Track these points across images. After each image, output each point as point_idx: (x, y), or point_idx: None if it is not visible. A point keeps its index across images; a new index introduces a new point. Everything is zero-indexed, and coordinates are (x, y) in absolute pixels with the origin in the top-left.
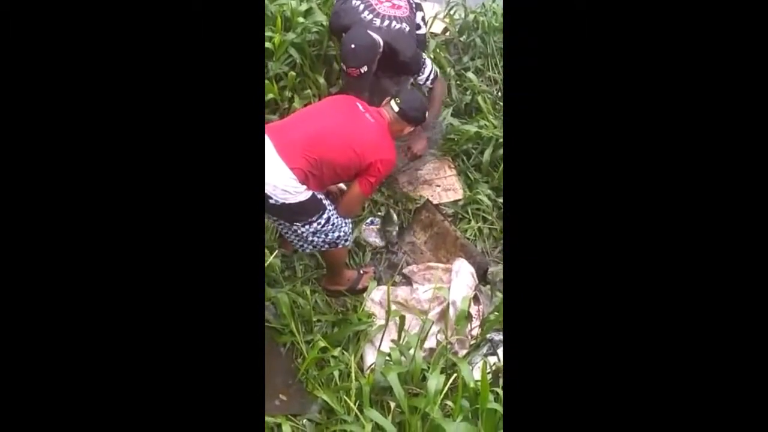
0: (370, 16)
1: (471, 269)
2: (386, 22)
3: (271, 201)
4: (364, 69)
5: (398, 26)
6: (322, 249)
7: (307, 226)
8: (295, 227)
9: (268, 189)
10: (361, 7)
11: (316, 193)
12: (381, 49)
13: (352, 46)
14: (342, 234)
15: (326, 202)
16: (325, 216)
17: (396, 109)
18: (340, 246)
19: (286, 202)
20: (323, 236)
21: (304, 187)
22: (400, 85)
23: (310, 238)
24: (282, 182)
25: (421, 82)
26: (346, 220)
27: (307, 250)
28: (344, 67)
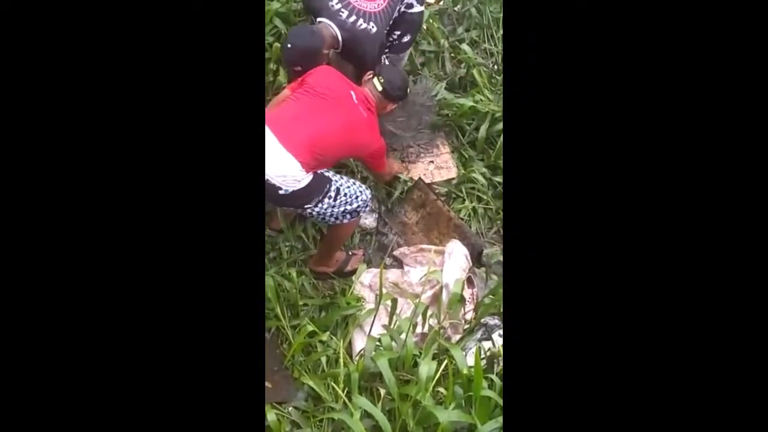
0: (339, 5)
1: (465, 251)
2: (352, 18)
3: (281, 192)
4: (298, 68)
5: (364, 26)
6: (344, 221)
7: (319, 206)
8: (308, 210)
9: (278, 180)
10: None
11: (317, 171)
12: (334, 47)
13: (289, 45)
14: (361, 203)
15: (329, 174)
16: (333, 188)
17: (379, 88)
18: (361, 213)
19: (295, 189)
20: (341, 209)
21: (311, 174)
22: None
23: (329, 213)
24: (291, 173)
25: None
26: (361, 188)
27: (331, 222)
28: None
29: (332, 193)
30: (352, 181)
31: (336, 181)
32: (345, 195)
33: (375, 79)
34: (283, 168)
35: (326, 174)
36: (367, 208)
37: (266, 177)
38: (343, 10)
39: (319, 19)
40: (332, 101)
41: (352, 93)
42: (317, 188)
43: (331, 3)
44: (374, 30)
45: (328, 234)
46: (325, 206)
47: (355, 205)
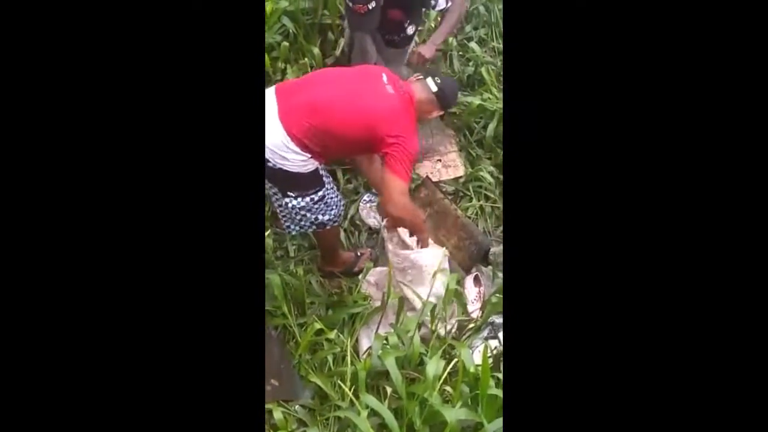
0: None
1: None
2: None
3: (269, 164)
4: (372, 5)
5: None
6: (309, 231)
7: (299, 199)
8: (287, 200)
9: (267, 152)
10: None
11: (320, 168)
12: None
13: None
14: (331, 216)
15: (326, 180)
16: (320, 193)
17: (434, 89)
18: (328, 228)
19: (284, 168)
20: (313, 217)
21: (308, 156)
22: (413, 14)
23: (298, 217)
24: (277, 147)
25: (440, 8)
26: (340, 203)
27: (293, 232)
28: (350, 4)
29: (316, 197)
30: (336, 192)
31: (327, 188)
32: (326, 204)
33: (429, 79)
34: (270, 137)
35: (324, 177)
36: (336, 224)
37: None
38: None
39: None
40: (355, 71)
41: (384, 75)
42: (308, 183)
43: None
44: None
45: (318, 241)
46: (303, 203)
47: (325, 217)
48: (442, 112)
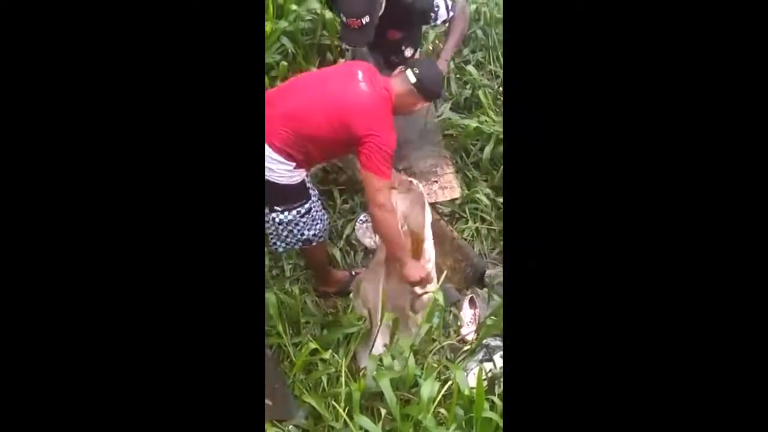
0: None
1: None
2: None
3: None
4: (366, 19)
5: None
6: (295, 247)
7: (286, 213)
8: (274, 214)
9: None
10: None
11: (306, 180)
12: None
13: None
14: (317, 232)
15: (312, 193)
16: (306, 206)
17: (413, 80)
18: (314, 244)
19: (271, 179)
20: (298, 233)
21: (292, 165)
22: (411, 34)
23: (285, 233)
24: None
25: (442, 20)
26: (324, 218)
27: (280, 249)
28: (343, 18)
29: (303, 210)
30: (320, 206)
31: (313, 201)
32: (312, 218)
33: (408, 71)
34: None
35: (310, 190)
36: (321, 240)
37: None
38: None
39: None
40: (331, 72)
41: (359, 71)
42: (295, 196)
43: None
44: None
45: (307, 260)
46: (290, 217)
47: (311, 233)
48: (427, 103)
